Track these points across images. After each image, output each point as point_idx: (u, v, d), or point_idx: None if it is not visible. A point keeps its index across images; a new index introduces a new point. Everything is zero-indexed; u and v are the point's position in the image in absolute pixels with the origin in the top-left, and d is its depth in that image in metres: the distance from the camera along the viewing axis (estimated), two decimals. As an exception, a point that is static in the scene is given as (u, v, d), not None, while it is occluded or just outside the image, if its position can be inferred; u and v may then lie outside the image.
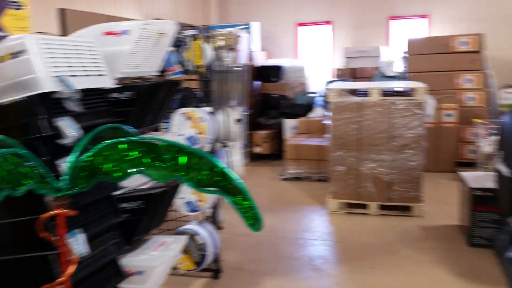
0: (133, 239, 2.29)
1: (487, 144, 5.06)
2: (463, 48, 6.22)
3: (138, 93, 2.21)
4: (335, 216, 4.69)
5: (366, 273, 3.39)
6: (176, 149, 1.28)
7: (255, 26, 8.46)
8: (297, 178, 6.16)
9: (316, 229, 4.40)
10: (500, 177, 3.05)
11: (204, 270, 3.21)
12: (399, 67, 7.08)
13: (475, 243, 3.69)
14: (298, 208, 5.01)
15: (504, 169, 2.92)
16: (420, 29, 8.48)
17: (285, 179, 6.19)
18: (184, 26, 3.08)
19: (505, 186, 2.93)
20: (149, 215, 2.28)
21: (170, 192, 2.36)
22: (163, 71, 2.72)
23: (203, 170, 1.28)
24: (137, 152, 1.39)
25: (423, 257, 3.60)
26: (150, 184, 2.38)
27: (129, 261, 2.18)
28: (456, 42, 6.26)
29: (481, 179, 3.79)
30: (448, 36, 6.45)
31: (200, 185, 1.31)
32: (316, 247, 3.95)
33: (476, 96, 6.23)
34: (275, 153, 7.28)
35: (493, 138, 4.77)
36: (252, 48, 7.93)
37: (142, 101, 2.25)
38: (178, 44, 2.95)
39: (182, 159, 1.26)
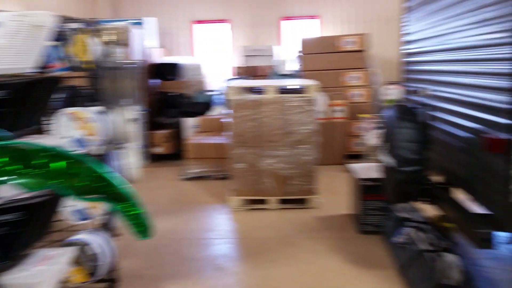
0: (14, 255, 2.07)
1: (372, 137, 5.46)
2: (350, 47, 6.65)
3: (11, 92, 1.98)
4: (237, 213, 4.72)
5: (267, 267, 3.45)
6: (50, 153, 1.14)
7: (150, 22, 8.19)
8: (199, 178, 6.09)
9: (219, 228, 4.38)
10: (385, 167, 3.29)
11: (100, 281, 3.01)
12: (295, 65, 7.35)
13: (366, 230, 3.95)
14: (201, 207, 4.95)
15: (388, 160, 3.16)
16: (313, 29, 8.89)
17: (187, 179, 6.08)
18: (67, 19, 2.84)
19: (390, 176, 3.17)
20: (30, 227, 2.06)
21: (53, 201, 2.16)
22: (43, 68, 2.48)
23: (83, 176, 1.16)
24: (7, 158, 1.22)
25: (319, 246, 3.77)
26: (32, 193, 2.15)
27: (10, 278, 1.97)
28: (343, 41, 6.67)
29: (368, 170, 4.07)
30: (336, 36, 6.84)
31: (80, 193, 1.19)
32: (219, 246, 3.93)
33: (362, 92, 6.70)
34: (176, 153, 7.12)
35: (378, 131, 5.16)
36: (147, 44, 7.66)
37: (17, 100, 2.02)
38: (61, 38, 2.71)
39: (57, 165, 1.13)
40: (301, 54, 6.92)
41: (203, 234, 4.21)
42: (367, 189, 3.89)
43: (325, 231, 4.10)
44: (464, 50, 2.72)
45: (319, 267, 3.42)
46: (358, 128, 6.48)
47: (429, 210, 3.41)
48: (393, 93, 6.67)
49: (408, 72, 3.98)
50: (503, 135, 2.24)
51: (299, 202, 4.77)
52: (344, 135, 6.55)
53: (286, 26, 9.05)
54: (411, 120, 2.98)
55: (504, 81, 2.24)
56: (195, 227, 4.38)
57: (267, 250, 3.76)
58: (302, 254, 3.64)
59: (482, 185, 2.52)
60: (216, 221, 4.57)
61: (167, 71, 7.71)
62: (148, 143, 6.93)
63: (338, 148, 6.52)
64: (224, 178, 5.80)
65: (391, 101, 6.56)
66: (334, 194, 5.11)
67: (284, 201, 4.78)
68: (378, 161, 3.60)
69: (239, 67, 8.10)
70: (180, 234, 4.19)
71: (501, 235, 2.33)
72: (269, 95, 4.69)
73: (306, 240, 3.93)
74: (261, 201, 4.80)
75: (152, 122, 7.17)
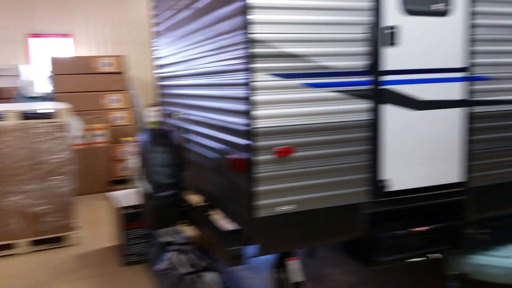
0: None
1: (135, 161, 5.31)
2: (106, 69, 6.39)
3: None
4: (-27, 266, 3.87)
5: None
6: None
7: None
8: None
9: None
10: (143, 193, 3.18)
11: None
12: (46, 87, 6.62)
13: (130, 261, 3.74)
14: None
15: (145, 186, 3.06)
16: (66, 48, 8.25)
17: None
18: None
19: (147, 202, 3.07)
20: None
21: None
22: None
23: None
24: None
25: (78, 289, 3.38)
26: None
27: None
28: (99, 63, 6.36)
29: (130, 197, 3.89)
30: (91, 57, 6.49)
31: None
32: None
33: (124, 115, 6.51)
34: None
35: (136, 156, 5.06)
36: None
37: None
38: None
39: None
40: (53, 74, 6.29)
41: None
42: (128, 218, 3.70)
43: (85, 270, 3.71)
44: (207, 76, 2.85)
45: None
46: (122, 152, 6.25)
47: (190, 231, 3.45)
48: (155, 115, 6.70)
49: (163, 96, 4.01)
50: (243, 155, 2.40)
51: (56, 241, 4.25)
52: (107, 160, 6.21)
53: (35, 43, 8.14)
54: (164, 144, 2.96)
55: (241, 104, 2.41)
56: None
57: (13, 306, 3.16)
58: (57, 303, 3.19)
59: (231, 202, 2.66)
60: None
61: None
62: None
63: (102, 174, 6.14)
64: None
65: (153, 123, 6.57)
66: (97, 225, 4.74)
67: (37, 242, 4.18)
68: (138, 187, 3.47)
69: (-26, 89, 6.85)
70: None
71: (250, 248, 2.48)
72: (10, 122, 4.05)
73: (62, 284, 3.46)
74: (7, 246, 4.07)
75: None
